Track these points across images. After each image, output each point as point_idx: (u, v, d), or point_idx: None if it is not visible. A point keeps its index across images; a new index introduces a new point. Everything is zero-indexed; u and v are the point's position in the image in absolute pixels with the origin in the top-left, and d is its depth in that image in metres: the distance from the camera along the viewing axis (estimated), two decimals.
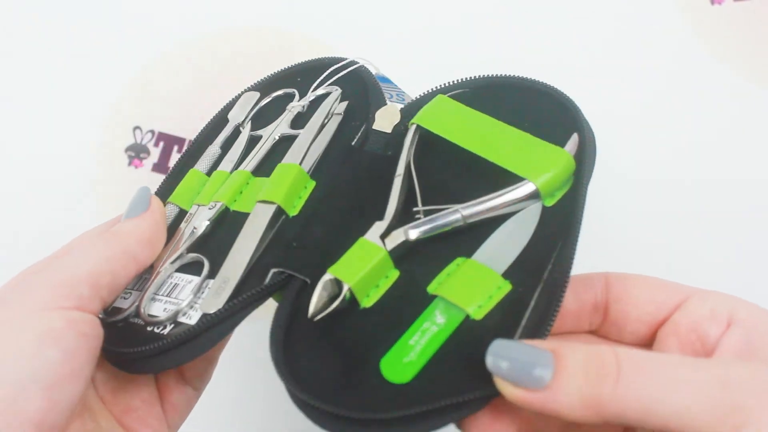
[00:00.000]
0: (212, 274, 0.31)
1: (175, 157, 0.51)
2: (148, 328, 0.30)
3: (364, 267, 0.29)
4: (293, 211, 0.33)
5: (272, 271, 0.31)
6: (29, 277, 0.27)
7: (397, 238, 0.30)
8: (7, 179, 0.50)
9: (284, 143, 0.36)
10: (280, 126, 0.37)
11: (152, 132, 0.51)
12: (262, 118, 0.38)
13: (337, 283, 0.29)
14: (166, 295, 0.31)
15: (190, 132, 0.51)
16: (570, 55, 0.54)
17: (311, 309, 0.29)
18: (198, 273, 0.31)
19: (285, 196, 0.33)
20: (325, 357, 0.28)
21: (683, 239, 0.48)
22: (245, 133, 0.38)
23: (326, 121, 0.36)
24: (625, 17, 0.55)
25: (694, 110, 0.52)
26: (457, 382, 0.26)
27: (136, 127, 0.52)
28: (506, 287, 0.28)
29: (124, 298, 0.31)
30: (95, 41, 0.54)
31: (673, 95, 0.53)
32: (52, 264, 0.28)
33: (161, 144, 0.51)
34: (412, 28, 0.55)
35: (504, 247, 0.29)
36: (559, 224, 0.29)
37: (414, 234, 0.30)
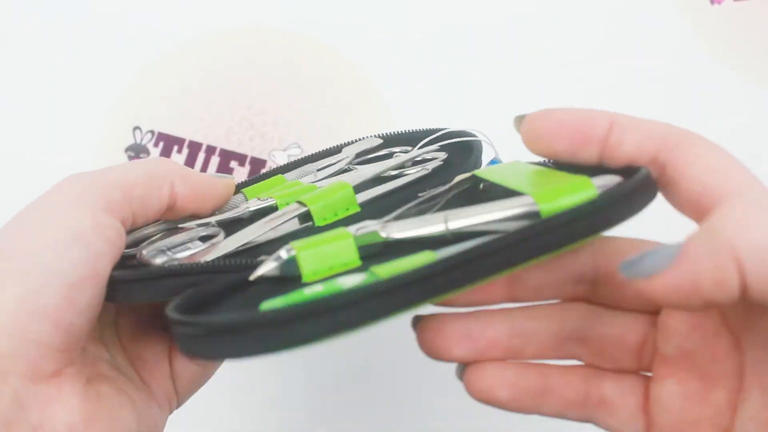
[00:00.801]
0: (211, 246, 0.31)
1: (175, 158, 0.51)
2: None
3: (322, 245, 0.27)
4: (320, 222, 0.32)
5: (262, 257, 0.29)
6: (68, 179, 0.28)
7: (368, 227, 0.28)
8: (6, 179, 0.50)
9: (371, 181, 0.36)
10: (374, 167, 0.37)
11: (152, 132, 0.51)
12: (368, 161, 0.38)
13: (290, 251, 0.27)
14: (174, 253, 0.31)
15: (190, 132, 0.51)
16: (569, 55, 0.54)
17: (256, 271, 0.27)
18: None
19: (320, 206, 0.32)
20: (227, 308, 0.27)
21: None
22: (343, 162, 0.38)
23: (410, 170, 0.36)
24: (624, 17, 0.55)
25: (693, 110, 0.52)
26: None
27: (136, 128, 0.52)
28: (430, 258, 0.25)
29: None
30: (95, 41, 0.54)
31: (673, 95, 0.52)
32: (98, 171, 0.29)
33: (161, 144, 0.51)
34: (415, 28, 0.55)
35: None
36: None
37: (385, 232, 0.27)
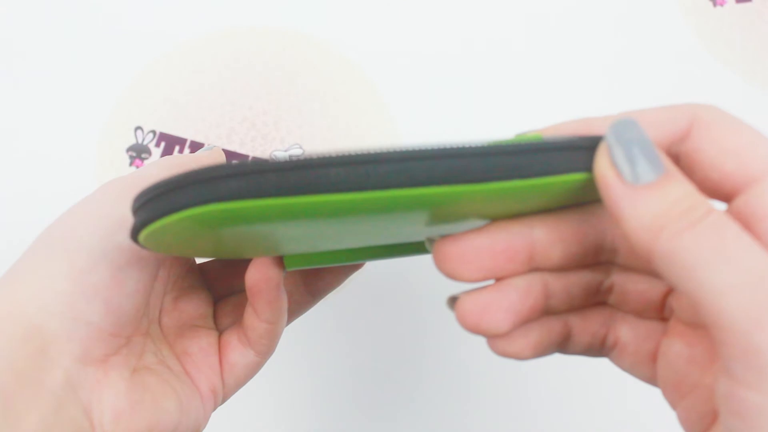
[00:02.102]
0: None
1: None
2: None
3: None
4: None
5: None
6: (110, 181, 0.30)
7: None
8: (7, 179, 0.50)
9: None
10: None
11: (153, 132, 0.52)
12: None
13: None
14: None
15: (191, 132, 0.51)
16: (571, 56, 0.54)
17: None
18: None
19: None
20: None
21: None
22: None
23: None
24: (626, 18, 0.55)
25: None
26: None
27: (138, 128, 0.52)
28: None
29: None
30: (96, 42, 0.54)
31: (675, 97, 0.52)
32: (136, 170, 0.31)
33: (162, 144, 0.51)
34: (415, 28, 0.55)
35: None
36: None
37: None
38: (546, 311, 0.27)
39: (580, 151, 0.21)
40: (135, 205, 0.22)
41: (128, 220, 0.27)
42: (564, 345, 0.27)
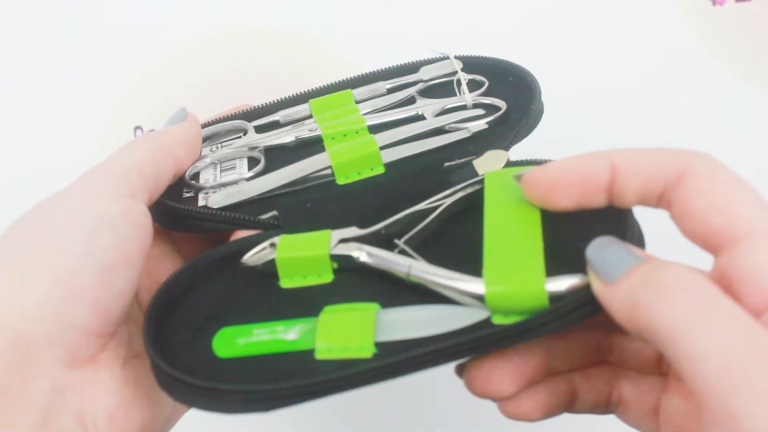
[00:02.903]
0: (254, 177, 0.35)
1: None
2: (184, 190, 0.35)
3: (298, 251, 0.30)
4: (341, 180, 0.34)
5: (273, 213, 0.32)
6: (87, 171, 0.29)
7: (348, 248, 0.30)
8: (8, 178, 0.50)
9: (416, 119, 0.36)
10: (432, 105, 0.37)
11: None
12: (437, 89, 0.38)
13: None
14: (221, 170, 0.36)
15: None
16: (570, 57, 0.54)
17: (246, 255, 0.30)
18: (254, 165, 0.36)
19: (342, 164, 0.33)
20: (204, 302, 0.30)
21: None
22: (411, 90, 0.38)
23: (449, 127, 0.35)
24: (625, 18, 0.55)
25: (695, 111, 0.52)
26: (244, 381, 0.27)
27: (138, 127, 0.52)
28: (366, 353, 0.27)
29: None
30: (97, 41, 0.54)
31: (675, 96, 0.52)
32: (105, 160, 0.30)
33: None
34: (415, 28, 0.55)
35: (411, 318, 0.28)
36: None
37: (357, 255, 0.29)
38: (549, 372, 0.28)
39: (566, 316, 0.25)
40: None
41: (111, 215, 0.27)
42: (571, 404, 0.28)
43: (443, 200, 0.31)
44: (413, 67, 0.39)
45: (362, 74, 0.39)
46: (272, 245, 0.30)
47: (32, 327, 0.25)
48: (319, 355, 0.27)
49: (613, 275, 0.23)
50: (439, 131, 0.35)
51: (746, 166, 0.49)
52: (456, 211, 0.31)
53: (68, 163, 0.51)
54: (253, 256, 0.30)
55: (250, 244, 0.31)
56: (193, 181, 0.35)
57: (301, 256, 0.30)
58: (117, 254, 0.26)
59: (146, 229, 0.28)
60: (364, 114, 0.36)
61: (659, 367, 0.28)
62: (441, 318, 0.27)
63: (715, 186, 0.24)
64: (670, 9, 0.55)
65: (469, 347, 0.26)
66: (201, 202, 0.34)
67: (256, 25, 0.54)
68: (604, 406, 0.29)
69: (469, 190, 0.31)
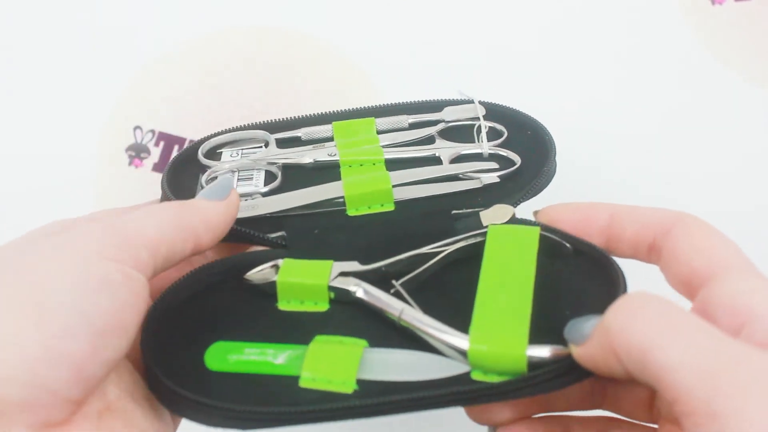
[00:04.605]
0: (269, 193, 0.36)
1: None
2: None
3: (299, 278, 0.31)
4: (351, 212, 0.35)
5: (281, 233, 0.33)
6: (88, 223, 0.27)
7: (347, 283, 0.31)
8: (6, 178, 0.50)
9: (432, 161, 0.37)
10: (450, 149, 0.38)
11: (152, 132, 0.51)
12: (457, 131, 0.39)
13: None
14: (239, 179, 0.37)
15: (190, 132, 0.51)
16: (570, 57, 0.54)
17: (250, 272, 0.32)
18: (271, 181, 0.37)
19: (355, 197, 0.35)
20: (200, 317, 0.31)
21: None
22: (431, 130, 0.39)
23: (462, 175, 0.36)
24: (625, 17, 0.55)
25: (694, 110, 0.52)
26: (229, 399, 0.28)
27: (137, 127, 0.52)
28: (347, 388, 0.28)
29: None
30: (96, 41, 0.54)
31: (674, 95, 0.52)
32: (116, 216, 0.27)
33: (161, 144, 0.51)
34: (415, 28, 0.55)
35: (395, 361, 0.29)
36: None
37: (354, 290, 0.31)
38: (547, 408, 0.30)
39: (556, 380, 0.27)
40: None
41: (112, 281, 0.24)
42: None
43: (446, 247, 0.32)
44: (437, 106, 0.40)
45: (387, 104, 0.40)
46: (275, 267, 0.32)
47: (7, 388, 0.22)
48: (303, 384, 0.28)
49: (585, 333, 0.25)
50: (453, 177, 0.36)
51: (746, 166, 0.50)
52: (456, 258, 0.32)
53: (67, 162, 0.50)
54: (256, 274, 0.32)
55: (254, 260, 0.32)
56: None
57: (301, 282, 0.31)
58: (112, 320, 0.24)
59: (144, 300, 0.26)
60: (383, 146, 0.37)
61: (650, 412, 0.29)
62: (422, 365, 0.29)
63: (699, 234, 0.28)
64: (670, 8, 0.55)
65: (446, 400, 0.27)
66: None
67: (256, 25, 0.54)
68: None
69: (472, 240, 0.32)
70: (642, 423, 0.30)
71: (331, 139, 0.38)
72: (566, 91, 0.53)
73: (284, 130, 0.39)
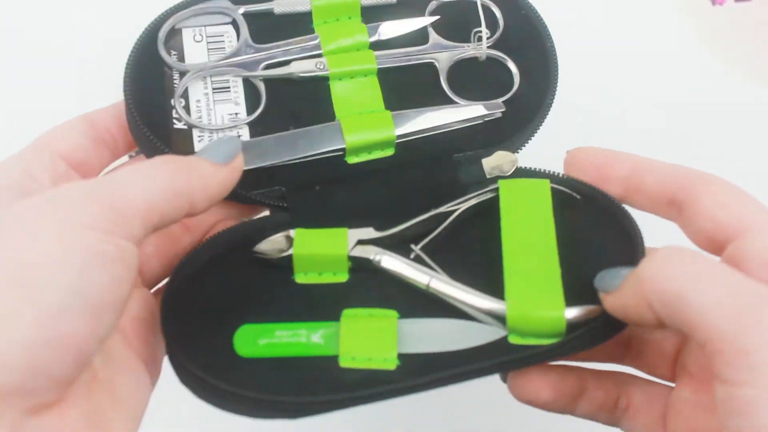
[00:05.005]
0: (256, 124, 0.32)
1: None
2: (174, 117, 0.32)
3: (317, 249, 0.30)
4: (351, 159, 0.32)
5: (278, 188, 0.32)
6: (80, 188, 0.24)
7: (366, 252, 0.30)
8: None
9: (427, 71, 0.34)
10: (446, 52, 0.35)
11: None
12: (449, 24, 0.35)
13: (291, 242, 0.30)
14: (213, 89, 0.33)
15: None
16: (570, 56, 0.54)
17: (260, 244, 0.30)
18: (256, 103, 0.32)
19: (355, 144, 0.32)
20: (218, 293, 0.30)
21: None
22: (426, 21, 0.35)
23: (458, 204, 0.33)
24: (625, 18, 0.55)
25: (694, 110, 0.52)
26: (270, 388, 0.27)
27: None
28: (389, 366, 0.27)
29: None
30: (96, 41, 0.54)
31: (674, 95, 0.52)
32: (107, 182, 0.25)
33: None
34: None
35: (431, 331, 0.29)
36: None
37: (378, 259, 0.30)
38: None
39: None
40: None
41: (105, 254, 0.23)
42: (578, 397, 0.29)
43: (459, 206, 0.31)
44: None
45: None
46: (285, 237, 0.30)
47: (2, 376, 0.21)
48: (343, 364, 0.27)
49: (616, 283, 0.26)
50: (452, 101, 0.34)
51: (746, 166, 0.50)
52: (468, 216, 0.31)
53: None
54: (267, 246, 0.30)
55: (259, 229, 0.31)
56: (185, 111, 0.32)
57: (320, 254, 0.30)
58: (107, 296, 0.23)
59: (135, 270, 0.25)
60: (373, 47, 0.34)
61: (673, 368, 0.29)
62: (459, 333, 0.28)
63: (723, 189, 0.27)
64: (670, 8, 0.55)
65: (491, 370, 0.27)
66: (197, 146, 0.32)
67: None
68: (611, 410, 0.30)
69: (483, 197, 0.32)
70: (659, 381, 0.29)
71: (309, 15, 0.34)
72: (566, 91, 0.53)
73: (253, 1, 0.34)
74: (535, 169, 0.32)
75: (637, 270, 0.25)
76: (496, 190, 0.31)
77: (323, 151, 0.32)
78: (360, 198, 0.32)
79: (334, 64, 0.33)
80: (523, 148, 0.34)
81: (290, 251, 0.30)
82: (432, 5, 0.35)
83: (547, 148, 0.34)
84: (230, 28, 0.33)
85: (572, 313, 0.27)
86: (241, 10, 0.33)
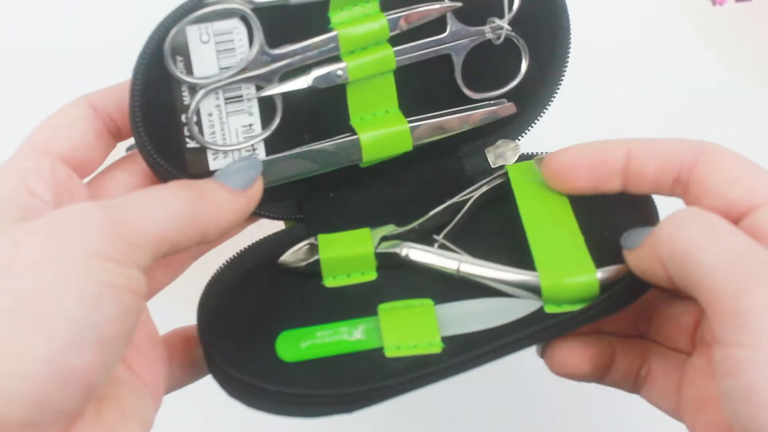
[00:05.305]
0: (271, 136, 0.30)
1: None
2: (186, 136, 0.29)
3: (343, 251, 0.30)
4: (365, 164, 0.32)
5: (291, 200, 0.31)
6: (89, 214, 0.23)
7: (392, 247, 0.31)
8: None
9: (442, 63, 0.32)
10: (464, 43, 0.32)
11: None
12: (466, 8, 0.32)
13: (316, 249, 0.31)
14: (226, 101, 0.30)
15: None
16: (569, 56, 0.54)
17: (284, 256, 0.30)
18: (270, 111, 0.30)
19: (372, 157, 0.31)
20: (250, 306, 0.30)
21: None
22: (444, 5, 0.32)
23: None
24: (625, 18, 0.55)
25: (694, 111, 0.52)
26: (320, 385, 0.27)
27: None
28: (435, 349, 0.28)
29: None
30: (96, 41, 0.54)
31: (674, 96, 0.53)
32: (118, 208, 0.24)
33: None
34: None
35: (469, 312, 0.29)
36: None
37: (405, 252, 0.30)
38: (596, 330, 0.30)
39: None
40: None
41: (115, 284, 0.22)
42: (609, 367, 0.30)
43: (471, 194, 0.32)
44: None
45: None
46: (309, 245, 0.31)
47: (9, 408, 0.20)
48: (389, 353, 0.28)
49: (638, 241, 0.27)
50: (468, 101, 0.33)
51: None
52: (482, 204, 0.32)
53: None
54: (291, 257, 0.31)
55: (280, 244, 0.31)
56: (197, 129, 0.29)
57: (346, 255, 0.30)
58: (118, 327, 0.22)
59: (144, 300, 0.24)
60: (392, 39, 0.31)
61: (692, 340, 0.29)
62: (497, 310, 0.28)
63: (730, 163, 0.26)
64: (670, 8, 0.55)
65: (535, 338, 0.28)
66: (212, 164, 0.30)
67: None
68: (634, 379, 0.30)
69: (493, 183, 0.32)
70: (679, 353, 0.30)
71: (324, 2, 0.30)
72: (565, 91, 0.53)
73: None
74: (538, 153, 0.32)
75: (656, 229, 0.25)
76: (505, 175, 0.32)
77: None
78: (374, 199, 0.32)
79: (355, 72, 0.31)
80: (524, 134, 0.34)
81: (315, 257, 0.30)
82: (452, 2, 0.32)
83: (547, 134, 0.35)
84: (239, 24, 0.29)
85: (603, 274, 0.28)
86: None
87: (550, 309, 0.28)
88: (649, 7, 0.55)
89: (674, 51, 0.54)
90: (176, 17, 0.28)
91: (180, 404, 0.32)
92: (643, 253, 0.26)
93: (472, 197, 0.32)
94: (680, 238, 0.24)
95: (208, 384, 0.30)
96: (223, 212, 0.26)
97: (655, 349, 0.30)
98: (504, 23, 0.32)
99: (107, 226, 0.23)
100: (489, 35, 0.32)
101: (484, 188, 0.32)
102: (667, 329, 0.30)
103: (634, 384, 0.30)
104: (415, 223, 0.31)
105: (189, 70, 0.29)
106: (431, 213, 0.31)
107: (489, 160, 0.33)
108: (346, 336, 0.28)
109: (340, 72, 0.30)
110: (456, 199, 0.32)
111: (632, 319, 0.31)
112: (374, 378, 0.27)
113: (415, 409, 0.46)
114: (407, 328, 0.28)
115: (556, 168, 0.29)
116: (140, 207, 0.24)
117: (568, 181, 0.29)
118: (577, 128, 0.49)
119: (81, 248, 0.22)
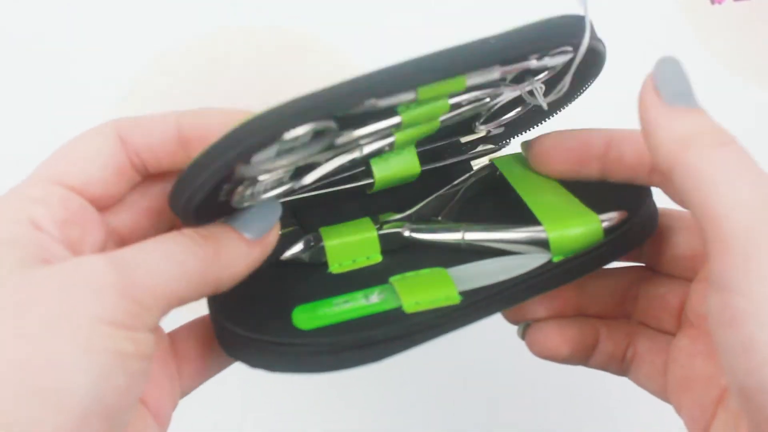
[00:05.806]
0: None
1: None
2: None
3: (347, 237, 0.31)
4: (372, 191, 0.31)
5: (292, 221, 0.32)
6: (95, 271, 0.22)
7: (394, 227, 0.31)
8: (8, 178, 0.50)
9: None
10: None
11: None
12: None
13: (319, 239, 0.31)
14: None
15: None
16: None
17: (286, 252, 0.31)
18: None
19: (381, 181, 0.31)
20: (261, 294, 0.29)
21: None
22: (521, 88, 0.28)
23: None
24: (624, 17, 0.55)
25: None
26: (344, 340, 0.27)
27: None
28: (454, 301, 0.28)
29: None
30: (96, 41, 0.54)
31: None
32: (127, 265, 0.22)
33: None
34: (416, 29, 0.55)
35: (481, 270, 0.29)
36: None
37: (408, 232, 0.31)
38: (579, 311, 0.31)
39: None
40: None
41: (124, 352, 0.21)
42: (592, 349, 0.30)
43: (461, 184, 0.33)
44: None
45: (484, 52, 0.26)
46: (308, 240, 0.31)
47: None
48: (409, 309, 0.28)
49: (676, 101, 0.25)
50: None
51: None
52: (471, 195, 0.33)
53: None
54: (293, 253, 0.31)
55: (280, 245, 0.30)
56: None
57: (350, 240, 0.31)
58: (126, 397, 0.22)
59: (151, 361, 0.23)
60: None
61: (678, 320, 0.29)
62: (509, 266, 0.29)
63: (711, 156, 0.24)
64: (669, 8, 0.55)
65: (549, 284, 0.28)
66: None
67: (256, 26, 0.54)
68: (620, 361, 0.30)
69: (481, 174, 0.33)
70: (665, 334, 0.30)
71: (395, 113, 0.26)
72: None
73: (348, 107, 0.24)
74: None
75: (691, 128, 0.23)
76: (491, 166, 0.33)
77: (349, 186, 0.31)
78: (371, 206, 0.33)
79: (401, 142, 0.28)
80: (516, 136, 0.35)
81: (320, 244, 0.31)
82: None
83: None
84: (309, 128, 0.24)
85: (605, 220, 0.28)
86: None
87: (558, 260, 0.29)
88: (648, 6, 0.56)
89: (672, 50, 0.54)
90: (247, 149, 0.23)
91: (183, 404, 0.32)
92: (667, 128, 0.24)
93: (462, 188, 0.33)
94: (709, 159, 0.22)
95: (209, 385, 0.30)
96: (238, 266, 0.25)
97: (642, 330, 0.30)
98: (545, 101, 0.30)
99: (116, 289, 0.21)
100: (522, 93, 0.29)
101: (473, 179, 0.33)
102: (652, 309, 0.30)
103: (620, 366, 0.30)
104: (416, 207, 0.32)
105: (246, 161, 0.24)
106: (425, 201, 0.32)
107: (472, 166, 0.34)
108: (363, 301, 0.28)
109: (387, 148, 0.28)
110: (448, 188, 0.33)
111: (618, 301, 0.31)
112: (398, 327, 0.27)
113: (408, 404, 0.46)
114: (424, 287, 0.28)
115: (539, 149, 0.30)
116: (151, 264, 0.23)
117: (549, 162, 0.30)
118: (576, 127, 0.49)
119: (90, 314, 0.21)
